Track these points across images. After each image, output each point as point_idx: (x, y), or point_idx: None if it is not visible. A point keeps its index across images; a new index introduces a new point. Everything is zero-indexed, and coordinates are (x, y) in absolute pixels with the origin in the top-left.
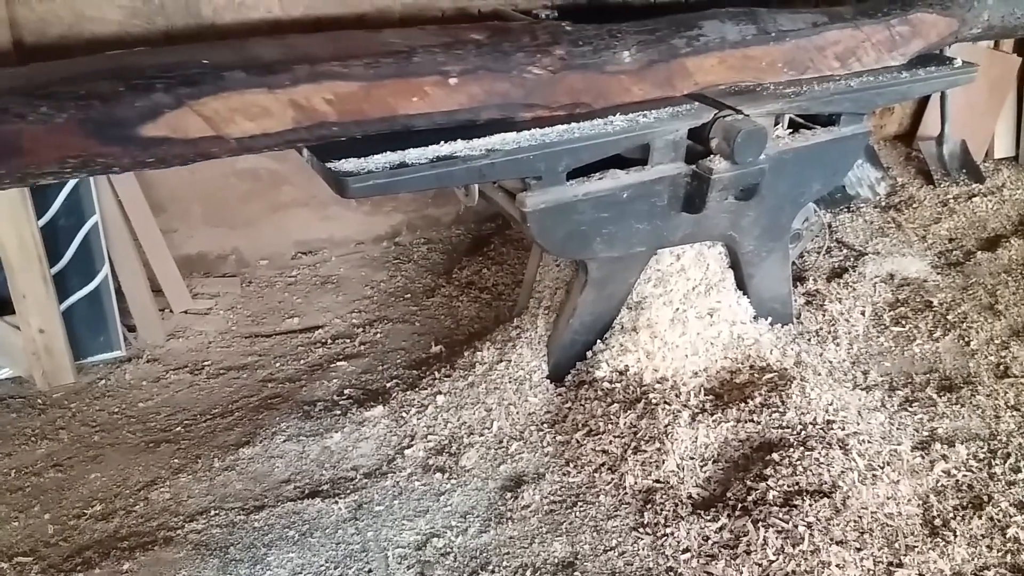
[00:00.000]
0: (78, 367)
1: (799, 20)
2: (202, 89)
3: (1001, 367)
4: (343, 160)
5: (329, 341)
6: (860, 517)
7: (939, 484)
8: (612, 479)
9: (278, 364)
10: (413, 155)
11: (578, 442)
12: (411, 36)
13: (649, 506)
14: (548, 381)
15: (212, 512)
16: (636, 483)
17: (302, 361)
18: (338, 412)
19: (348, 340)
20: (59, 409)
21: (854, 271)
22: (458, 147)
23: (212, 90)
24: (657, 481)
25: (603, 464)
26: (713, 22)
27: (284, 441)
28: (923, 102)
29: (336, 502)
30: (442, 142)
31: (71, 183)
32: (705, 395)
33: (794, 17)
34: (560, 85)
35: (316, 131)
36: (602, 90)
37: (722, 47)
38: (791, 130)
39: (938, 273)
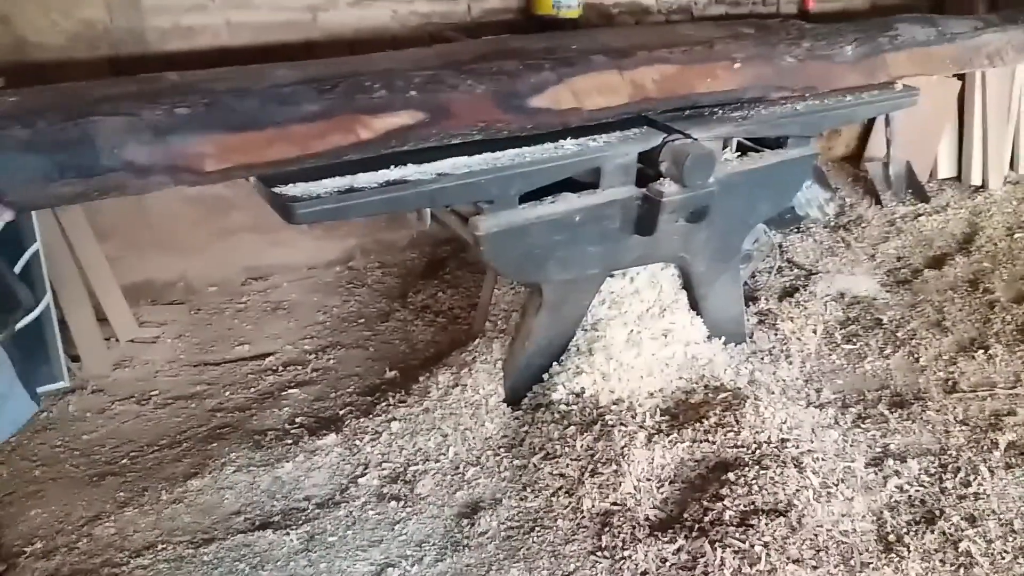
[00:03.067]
0: None
1: (964, 24)
2: (576, 69)
3: (950, 382)
4: (290, 185)
5: (280, 368)
6: (816, 535)
7: (892, 500)
8: (569, 503)
9: (228, 393)
10: (362, 179)
11: (535, 466)
12: (703, 28)
13: (607, 529)
14: (505, 405)
15: (159, 546)
16: (593, 506)
17: (252, 389)
18: (289, 441)
19: (300, 367)
20: None
21: (805, 290)
22: (408, 171)
23: (583, 70)
24: (614, 504)
25: (560, 488)
26: (905, 24)
27: (234, 472)
28: (869, 125)
29: (288, 533)
30: (392, 166)
31: None
32: (661, 416)
33: (960, 21)
34: (802, 72)
35: (640, 105)
36: (828, 77)
37: (912, 45)
38: (739, 153)
39: (887, 291)
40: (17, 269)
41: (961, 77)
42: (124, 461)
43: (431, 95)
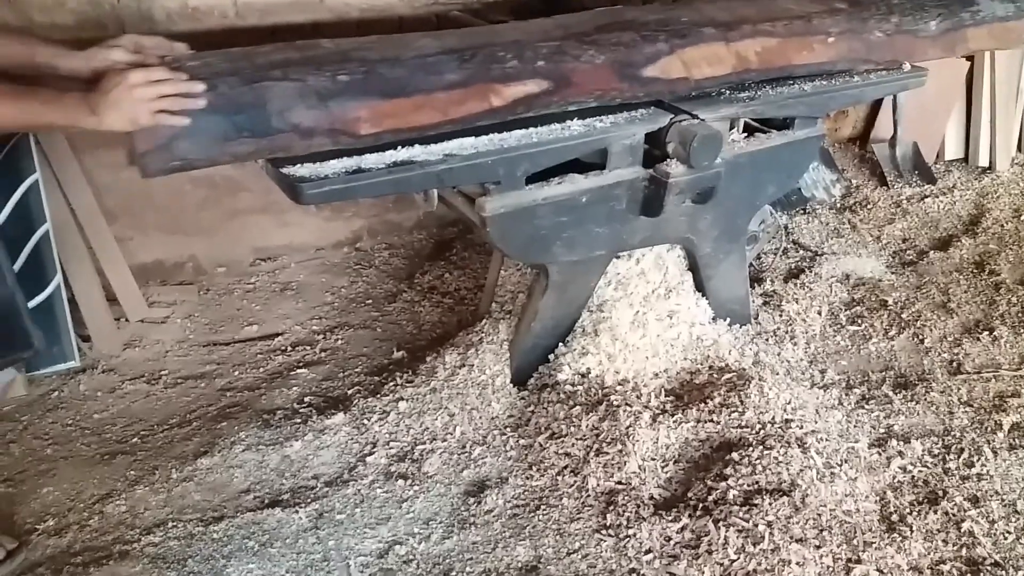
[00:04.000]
0: (29, 379)
1: None
2: (687, 40)
3: (954, 364)
4: (298, 165)
5: (289, 348)
6: (819, 515)
7: (895, 480)
8: (575, 481)
9: (237, 372)
10: (370, 160)
11: (541, 445)
12: (799, 1)
13: (611, 508)
14: (511, 385)
15: (169, 524)
16: (599, 485)
17: (261, 369)
18: (298, 420)
19: (308, 347)
20: (9, 423)
21: (810, 271)
22: (416, 152)
23: (693, 41)
24: (619, 483)
25: (566, 467)
26: (985, 0)
27: (243, 451)
28: (876, 105)
29: (296, 511)
30: (399, 147)
31: (20, 190)
32: (666, 396)
33: None
34: (889, 46)
35: (742, 75)
36: (911, 51)
37: (992, 20)
38: (746, 134)
39: (892, 272)
40: (27, 250)
41: (970, 58)
42: (134, 440)
43: (556, 65)
